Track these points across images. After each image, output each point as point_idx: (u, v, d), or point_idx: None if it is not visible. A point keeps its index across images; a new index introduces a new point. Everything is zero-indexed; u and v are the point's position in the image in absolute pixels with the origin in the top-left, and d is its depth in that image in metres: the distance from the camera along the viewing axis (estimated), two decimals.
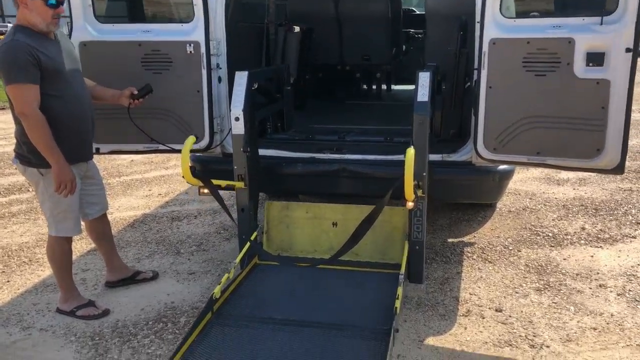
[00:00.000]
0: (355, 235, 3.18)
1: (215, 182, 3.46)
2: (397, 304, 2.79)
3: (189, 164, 3.25)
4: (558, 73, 3.09)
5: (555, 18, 3.17)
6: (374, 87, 6.72)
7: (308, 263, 3.54)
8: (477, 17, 3.27)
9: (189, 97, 3.64)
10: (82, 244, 4.50)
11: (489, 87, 3.24)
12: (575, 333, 3.08)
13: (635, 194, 5.47)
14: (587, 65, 3.03)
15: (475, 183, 3.64)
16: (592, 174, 6.14)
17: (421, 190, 3.23)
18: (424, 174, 3.23)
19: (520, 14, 3.40)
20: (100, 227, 3.63)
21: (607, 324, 3.17)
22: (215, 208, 5.43)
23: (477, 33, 3.29)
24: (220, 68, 3.71)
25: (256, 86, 3.64)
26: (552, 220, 4.84)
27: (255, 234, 3.62)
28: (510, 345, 2.98)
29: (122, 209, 5.48)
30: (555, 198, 5.44)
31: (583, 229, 4.61)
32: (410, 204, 3.07)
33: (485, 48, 3.20)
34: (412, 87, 7.03)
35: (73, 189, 3.12)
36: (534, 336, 3.06)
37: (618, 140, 3.06)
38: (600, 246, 4.26)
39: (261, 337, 2.78)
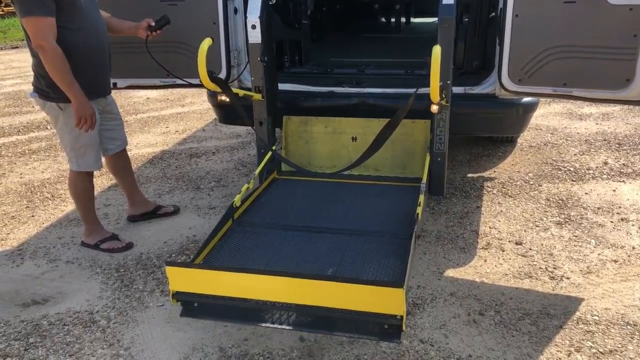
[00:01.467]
0: (377, 141, 3.12)
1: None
2: (419, 210, 2.77)
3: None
4: None
5: None
6: (393, 19, 6.53)
7: (327, 175, 3.53)
8: None
9: (205, 29, 3.55)
10: (103, 180, 4.54)
11: (515, 15, 3.11)
12: (596, 265, 3.08)
13: None
14: None
15: (498, 116, 3.56)
16: (616, 109, 6.01)
17: (445, 99, 3.15)
18: (448, 81, 3.15)
19: None
20: (120, 163, 3.65)
21: (628, 256, 3.16)
22: (233, 145, 5.43)
23: None
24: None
25: (274, 1, 3.52)
26: (574, 155, 4.77)
27: (274, 147, 3.57)
28: (530, 277, 3.00)
29: (140, 146, 5.50)
30: (578, 133, 5.34)
31: (605, 163, 4.54)
32: (435, 107, 2.99)
33: None
34: (431, 19, 6.87)
35: (93, 124, 3.11)
36: (554, 268, 3.07)
37: None
38: (623, 181, 4.20)
39: (283, 240, 2.82)
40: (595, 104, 5.88)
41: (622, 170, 4.40)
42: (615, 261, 3.12)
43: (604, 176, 4.29)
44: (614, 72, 3.02)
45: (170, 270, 2.31)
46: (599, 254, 3.19)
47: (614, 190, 4.03)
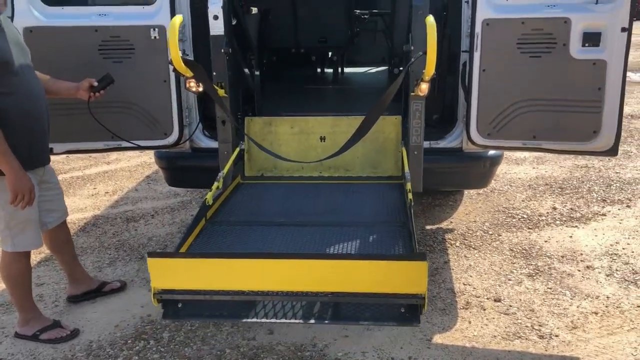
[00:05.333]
0: (364, 126, 2.90)
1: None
2: (410, 196, 2.62)
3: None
4: (554, 54, 3.00)
5: None
6: (330, 70, 6.48)
7: (297, 177, 3.38)
8: None
9: (155, 87, 3.29)
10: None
11: (482, 70, 3.10)
12: (579, 319, 3.03)
13: (591, 170, 5.58)
14: (583, 45, 2.95)
15: (465, 170, 3.51)
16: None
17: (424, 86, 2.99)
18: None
19: None
20: (60, 237, 3.24)
21: (606, 307, 3.14)
22: (173, 205, 5.06)
23: (467, 13, 3.15)
24: (187, 55, 3.37)
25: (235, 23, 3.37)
26: (522, 201, 4.83)
27: (238, 147, 3.33)
28: (519, 337, 2.89)
29: (68, 211, 4.99)
30: (519, 178, 5.45)
31: (554, 208, 4.62)
32: (424, 87, 2.85)
33: (477, 29, 3.05)
34: (364, 69, 6.88)
35: (32, 199, 2.72)
36: (539, 326, 2.98)
37: (613, 121, 3.01)
38: (576, 226, 4.27)
39: (267, 236, 2.56)
40: None
41: (571, 214, 4.48)
42: (596, 313, 3.08)
43: (557, 222, 4.35)
44: (582, 124, 3.06)
45: (152, 263, 1.99)
46: (578, 306, 3.15)
47: (571, 237, 4.08)
